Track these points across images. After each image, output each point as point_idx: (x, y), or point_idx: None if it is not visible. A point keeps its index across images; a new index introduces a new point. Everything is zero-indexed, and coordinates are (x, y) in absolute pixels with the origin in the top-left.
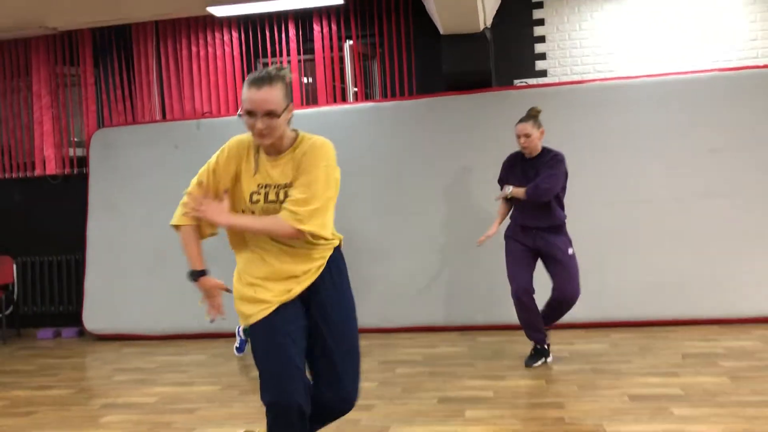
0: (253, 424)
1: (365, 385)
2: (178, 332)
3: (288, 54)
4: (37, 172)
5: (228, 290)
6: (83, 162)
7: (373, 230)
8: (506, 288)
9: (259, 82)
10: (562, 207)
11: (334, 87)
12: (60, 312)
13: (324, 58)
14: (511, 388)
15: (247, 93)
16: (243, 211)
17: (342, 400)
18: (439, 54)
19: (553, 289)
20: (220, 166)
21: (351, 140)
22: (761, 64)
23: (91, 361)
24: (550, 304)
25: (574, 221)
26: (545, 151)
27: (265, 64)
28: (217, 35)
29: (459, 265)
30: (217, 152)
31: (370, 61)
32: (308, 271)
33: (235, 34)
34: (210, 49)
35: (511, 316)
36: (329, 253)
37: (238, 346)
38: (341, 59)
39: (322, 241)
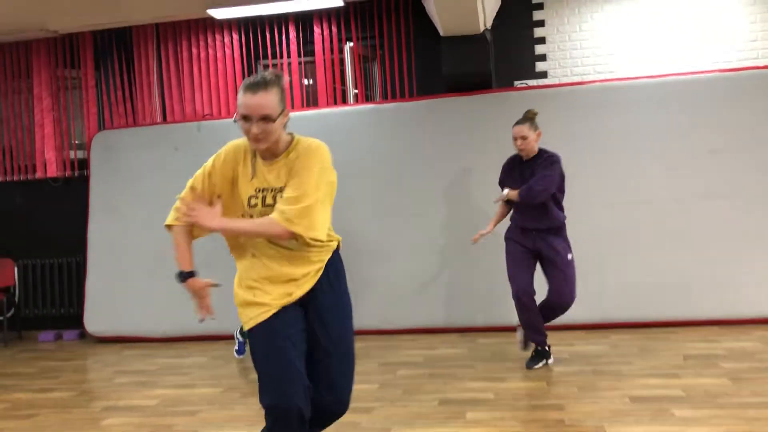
0: (253, 427)
1: (365, 387)
2: (179, 334)
3: (288, 56)
4: (38, 174)
5: (217, 285)
6: (84, 164)
7: (373, 232)
8: (506, 289)
9: (255, 87)
10: (560, 208)
11: (334, 89)
12: (61, 314)
13: (324, 60)
14: (511, 389)
15: (242, 98)
16: (242, 216)
17: (338, 402)
18: (439, 55)
19: (549, 292)
20: (216, 170)
21: (351, 142)
22: (761, 65)
23: (92, 364)
24: (544, 306)
25: (574, 222)
26: (541, 152)
27: (266, 66)
28: (218, 37)
29: (459, 267)
30: (214, 156)
31: (370, 63)
32: (307, 273)
33: (235, 36)
34: (210, 51)
35: (512, 317)
36: (328, 256)
37: (237, 348)
38: (341, 61)
39: (319, 243)
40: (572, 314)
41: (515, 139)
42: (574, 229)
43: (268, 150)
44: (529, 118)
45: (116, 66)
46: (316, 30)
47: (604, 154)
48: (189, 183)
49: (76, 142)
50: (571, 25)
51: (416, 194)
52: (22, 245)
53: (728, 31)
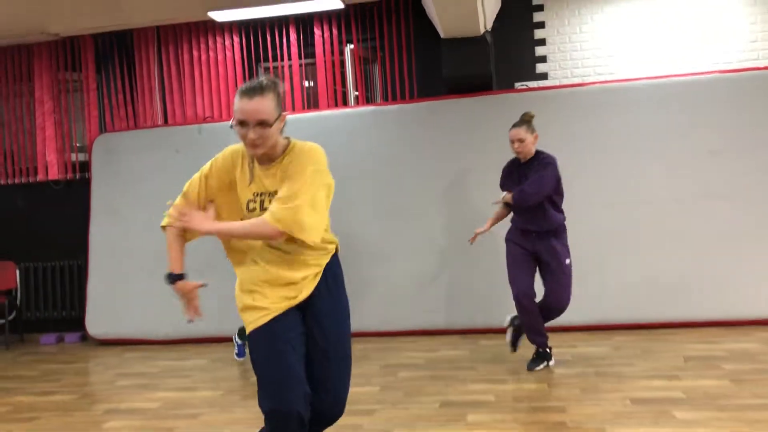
0: (254, 429)
1: (366, 389)
2: (180, 337)
3: (289, 58)
4: (40, 177)
5: (204, 285)
6: (85, 167)
7: (374, 233)
8: (507, 291)
9: (251, 93)
10: (558, 210)
11: (335, 91)
12: (63, 317)
13: (325, 62)
14: (512, 391)
15: (238, 103)
16: (242, 220)
17: (336, 405)
18: (439, 57)
19: (545, 296)
20: (213, 174)
21: (352, 144)
22: (761, 65)
23: (93, 366)
24: (539, 308)
25: (574, 222)
26: (538, 154)
27: (267, 69)
28: (219, 40)
29: (460, 268)
30: (211, 160)
31: (371, 65)
32: (306, 277)
33: (236, 39)
34: (211, 54)
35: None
36: (326, 260)
37: (237, 351)
38: (342, 63)
39: (318, 246)
40: (573, 316)
41: (512, 141)
42: (574, 230)
43: (265, 155)
44: (526, 120)
45: (117, 69)
46: (317, 32)
47: (604, 155)
48: (184, 187)
49: (78, 144)
50: (571, 26)
51: (417, 196)
52: (23, 248)
53: (728, 31)
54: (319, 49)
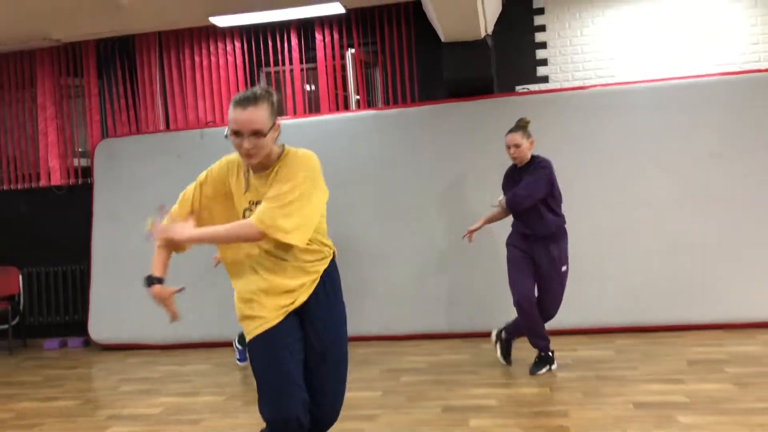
0: None
1: (368, 394)
2: (182, 341)
3: (290, 63)
4: (42, 182)
5: (181, 290)
6: (88, 172)
7: (375, 236)
8: (508, 294)
9: (245, 102)
10: (554, 213)
11: (336, 95)
12: (66, 322)
13: (326, 66)
14: (515, 396)
15: (233, 113)
16: None
17: (332, 408)
18: (440, 61)
19: (537, 300)
20: (209, 182)
21: (353, 148)
22: (762, 68)
23: (96, 372)
24: None
25: (574, 224)
26: (533, 159)
27: (268, 74)
28: (220, 45)
29: (461, 271)
30: (207, 169)
31: (371, 69)
32: (303, 284)
33: (237, 44)
34: (213, 59)
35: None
36: (324, 266)
37: (238, 357)
38: (343, 67)
39: (308, 252)
40: (574, 318)
41: (508, 147)
42: (574, 231)
43: (260, 163)
44: (521, 126)
45: (119, 74)
46: (318, 37)
47: (605, 158)
48: (180, 196)
49: (80, 150)
50: (572, 29)
51: (418, 199)
52: (26, 253)
53: (729, 34)
54: (320, 53)
